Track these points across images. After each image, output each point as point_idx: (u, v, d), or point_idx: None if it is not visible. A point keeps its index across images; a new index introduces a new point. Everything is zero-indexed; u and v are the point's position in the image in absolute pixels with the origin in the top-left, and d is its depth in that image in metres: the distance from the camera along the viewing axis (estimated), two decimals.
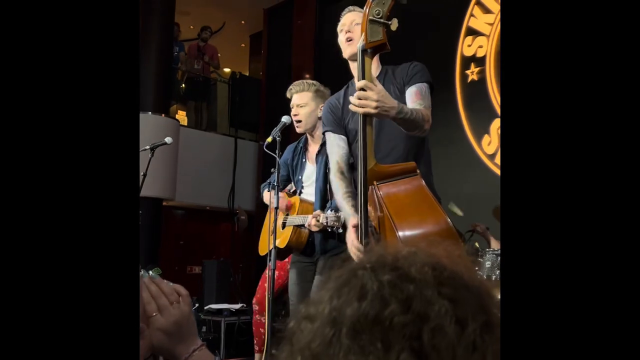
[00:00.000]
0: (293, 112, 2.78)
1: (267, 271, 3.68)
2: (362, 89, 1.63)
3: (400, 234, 1.54)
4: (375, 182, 1.64)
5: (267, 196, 2.91)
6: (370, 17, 1.66)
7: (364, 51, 1.69)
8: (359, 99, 1.63)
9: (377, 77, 2.05)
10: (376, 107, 1.62)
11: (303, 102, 2.77)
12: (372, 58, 1.72)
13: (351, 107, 1.67)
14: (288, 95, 2.86)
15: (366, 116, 1.66)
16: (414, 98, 1.93)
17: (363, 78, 1.68)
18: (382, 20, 1.65)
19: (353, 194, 2.00)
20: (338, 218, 2.29)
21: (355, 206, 1.95)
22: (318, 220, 2.47)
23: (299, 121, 2.76)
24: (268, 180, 2.96)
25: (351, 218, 1.91)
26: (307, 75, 6.33)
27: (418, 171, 1.66)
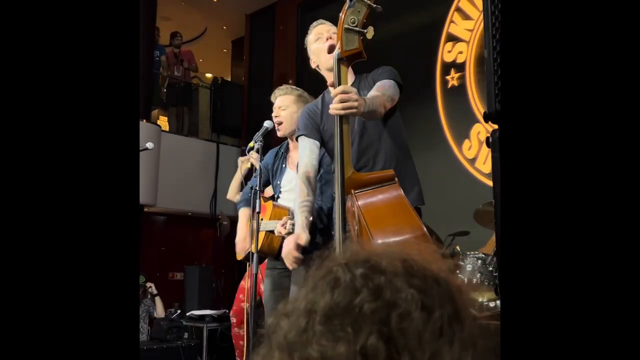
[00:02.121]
0: (274, 114, 2.77)
1: (242, 282, 3.68)
2: (344, 92, 1.63)
3: (379, 241, 1.49)
4: (353, 191, 1.62)
5: (242, 217, 2.90)
6: (346, 26, 1.64)
7: (339, 60, 1.67)
8: (342, 101, 1.62)
9: (352, 84, 2.05)
10: (357, 107, 1.62)
11: (285, 104, 2.76)
12: (347, 67, 1.71)
13: (332, 111, 1.65)
14: (272, 99, 2.84)
15: (342, 125, 1.65)
16: (377, 88, 1.93)
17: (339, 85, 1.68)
18: (357, 28, 1.64)
19: (310, 205, 1.99)
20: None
21: (308, 218, 1.95)
22: (285, 227, 2.45)
23: (280, 123, 2.74)
24: (243, 196, 2.93)
25: (299, 234, 1.90)
26: (291, 81, 6.32)
27: (396, 179, 1.65)
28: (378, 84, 1.96)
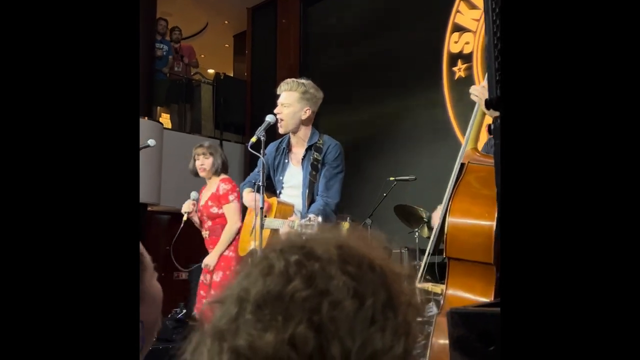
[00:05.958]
0: (277, 110, 2.72)
1: (202, 279, 3.68)
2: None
3: (451, 219, 1.64)
4: (468, 162, 1.78)
5: (247, 196, 2.84)
6: None
7: None
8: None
9: None
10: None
11: (288, 102, 2.71)
12: None
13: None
14: (278, 91, 2.79)
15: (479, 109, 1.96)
16: None
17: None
18: None
19: None
20: (312, 226, 2.30)
21: None
22: (293, 227, 2.44)
23: (281, 120, 2.71)
24: (248, 179, 2.91)
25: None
26: (294, 75, 6.25)
27: None
28: None
